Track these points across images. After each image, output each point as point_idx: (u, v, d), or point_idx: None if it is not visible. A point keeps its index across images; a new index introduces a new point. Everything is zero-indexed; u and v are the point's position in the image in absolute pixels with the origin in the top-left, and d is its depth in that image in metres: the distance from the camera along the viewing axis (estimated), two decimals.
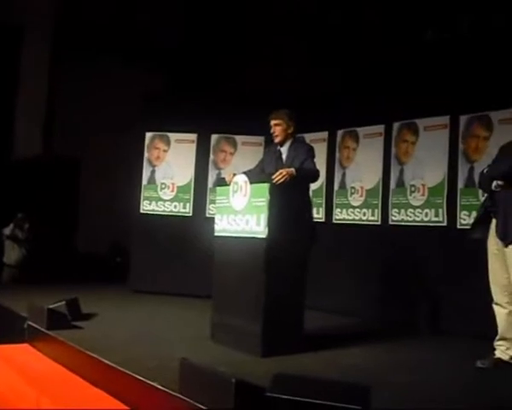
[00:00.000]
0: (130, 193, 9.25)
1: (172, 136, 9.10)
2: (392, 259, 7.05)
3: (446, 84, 6.71)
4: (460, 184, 6.56)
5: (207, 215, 8.69)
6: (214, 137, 9.03)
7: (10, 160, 11.94)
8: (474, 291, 5.82)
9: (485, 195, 4.89)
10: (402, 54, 7.57)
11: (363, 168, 7.66)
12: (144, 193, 9.08)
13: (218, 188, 5.61)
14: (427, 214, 6.85)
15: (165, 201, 9.00)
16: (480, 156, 6.38)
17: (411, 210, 7.01)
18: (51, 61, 12.48)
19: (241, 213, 5.00)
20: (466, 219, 6.40)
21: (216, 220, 5.37)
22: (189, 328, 6.02)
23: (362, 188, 7.63)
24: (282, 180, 4.80)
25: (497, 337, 4.68)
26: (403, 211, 7.10)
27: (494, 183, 4.59)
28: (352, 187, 7.75)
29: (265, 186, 4.79)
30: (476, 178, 6.04)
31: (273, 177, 4.82)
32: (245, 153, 8.70)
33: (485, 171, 4.78)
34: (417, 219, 6.94)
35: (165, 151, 9.12)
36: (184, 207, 8.96)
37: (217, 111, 8.54)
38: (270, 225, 4.73)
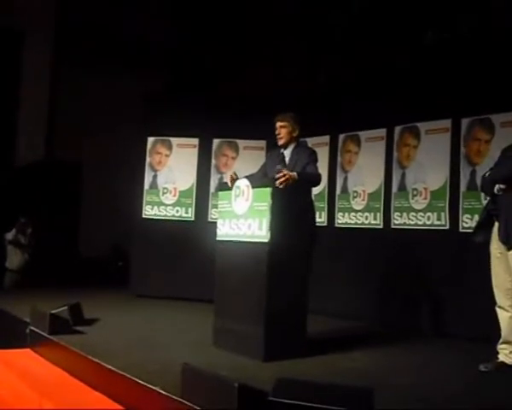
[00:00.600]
0: (132, 198, 9.25)
1: (174, 140, 9.11)
2: (394, 262, 7.05)
3: (448, 87, 6.71)
4: (462, 188, 6.55)
5: (209, 220, 8.69)
6: (216, 141, 9.04)
7: (12, 164, 11.95)
8: (476, 294, 5.82)
9: (488, 198, 4.88)
10: (403, 57, 7.57)
11: (365, 172, 7.66)
12: (146, 198, 9.08)
13: (220, 192, 5.60)
14: (429, 218, 6.84)
15: (167, 205, 9.00)
16: (481, 159, 6.38)
17: (413, 214, 7.00)
18: (53, 65, 12.51)
19: (244, 217, 5.00)
20: (468, 222, 6.40)
21: (218, 225, 5.37)
22: (191, 332, 6.01)
23: (364, 192, 7.63)
24: (284, 183, 4.78)
25: (501, 341, 4.66)
26: (405, 215, 7.10)
27: (496, 186, 4.58)
28: (354, 191, 7.75)
29: (267, 190, 4.79)
30: (478, 181, 6.03)
31: (276, 176, 4.81)
32: (247, 157, 8.70)
33: (487, 174, 4.77)
34: (419, 222, 6.93)
35: (167, 156, 9.13)
36: (186, 212, 8.96)
37: (219, 115, 8.53)
38: (273, 229, 4.72)
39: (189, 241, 8.58)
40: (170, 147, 9.12)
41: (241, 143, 8.95)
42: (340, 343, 5.62)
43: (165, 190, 9.03)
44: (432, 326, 6.53)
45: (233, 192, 5.16)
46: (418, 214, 6.95)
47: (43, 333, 5.44)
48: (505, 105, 6.16)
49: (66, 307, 5.81)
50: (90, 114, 11.90)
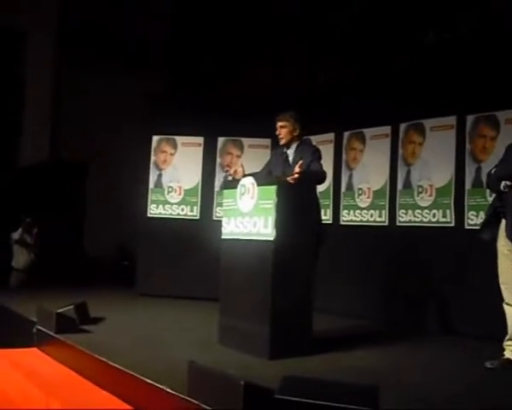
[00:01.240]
0: (137, 197, 9.27)
1: (179, 139, 9.12)
2: (399, 260, 7.04)
3: (453, 84, 6.70)
4: (467, 185, 6.54)
5: (215, 218, 8.69)
6: (221, 140, 9.04)
7: (18, 165, 11.99)
8: (482, 292, 5.82)
9: (493, 195, 4.87)
10: (408, 54, 7.56)
11: (369, 169, 7.65)
12: (151, 196, 9.09)
13: (225, 191, 5.60)
14: (434, 215, 6.83)
15: (172, 204, 9.01)
16: (487, 156, 6.36)
17: (419, 211, 6.99)
18: (55, 66, 12.53)
19: (249, 215, 5.00)
20: (474, 219, 6.38)
21: (223, 223, 5.37)
22: (196, 331, 6.01)
23: (369, 189, 7.62)
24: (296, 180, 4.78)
25: (507, 338, 4.65)
26: (410, 212, 7.09)
27: (502, 183, 4.57)
28: (359, 188, 7.74)
29: (273, 188, 4.79)
30: (484, 178, 6.02)
31: (289, 180, 4.80)
32: (252, 155, 8.69)
33: (492, 171, 4.75)
34: (425, 219, 6.92)
35: (171, 154, 9.13)
36: (191, 211, 8.97)
37: (223, 114, 8.53)
38: (278, 227, 4.73)
39: (195, 239, 8.59)
40: (175, 145, 9.13)
41: (245, 141, 8.96)
42: (345, 342, 5.62)
43: (170, 189, 9.04)
44: (437, 324, 6.51)
45: (238, 190, 5.17)
46: (423, 212, 6.94)
47: (49, 332, 5.46)
48: (510, 102, 6.14)
49: (72, 306, 5.82)
50: (94, 114, 11.94)
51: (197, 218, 8.95)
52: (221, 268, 5.37)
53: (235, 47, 10.59)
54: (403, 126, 7.32)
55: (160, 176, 9.12)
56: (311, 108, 6.91)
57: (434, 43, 7.35)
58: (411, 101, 7.10)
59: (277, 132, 5.45)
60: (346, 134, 8.01)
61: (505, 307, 4.66)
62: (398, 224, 7.23)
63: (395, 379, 4.25)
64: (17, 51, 12.12)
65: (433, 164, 6.90)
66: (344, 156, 8.00)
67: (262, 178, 5.16)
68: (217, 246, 5.60)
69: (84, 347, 4.81)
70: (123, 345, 5.07)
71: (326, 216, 7.93)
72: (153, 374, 3.88)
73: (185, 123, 8.73)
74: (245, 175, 5.25)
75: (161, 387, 3.64)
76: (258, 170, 5.63)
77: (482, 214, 5.90)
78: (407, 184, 7.18)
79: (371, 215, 7.56)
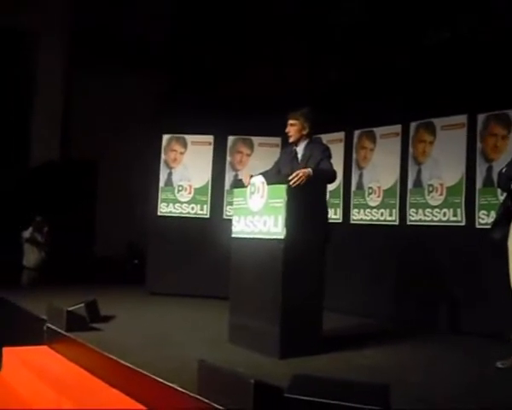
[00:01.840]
0: (148, 195, 9.29)
1: (189, 138, 9.12)
2: (409, 259, 7.02)
3: (463, 82, 6.67)
4: (478, 184, 6.51)
5: (225, 217, 8.70)
6: (231, 138, 9.04)
7: (29, 164, 12.04)
8: (492, 291, 5.80)
9: (504, 194, 4.84)
10: (419, 53, 7.52)
11: (380, 168, 7.63)
12: (161, 195, 9.10)
13: (235, 189, 5.60)
14: (445, 214, 6.80)
15: (182, 203, 9.02)
16: (498, 155, 6.33)
17: (429, 210, 6.96)
18: (66, 67, 12.58)
19: (259, 214, 5.00)
20: (485, 218, 6.35)
21: (233, 222, 5.37)
22: (206, 329, 6.02)
23: (379, 188, 7.60)
24: (298, 182, 4.79)
25: None
26: (420, 211, 7.06)
27: None
28: (370, 187, 7.72)
29: (283, 187, 4.78)
30: (495, 177, 5.98)
31: (289, 179, 4.81)
32: (262, 154, 8.70)
33: (503, 170, 4.73)
34: (435, 218, 6.90)
35: (181, 153, 9.14)
36: (202, 209, 8.97)
37: (233, 112, 8.54)
38: (288, 225, 4.72)
39: (205, 238, 8.60)
40: (185, 144, 9.14)
41: (255, 139, 8.95)
42: (355, 340, 5.62)
43: (181, 188, 9.05)
44: (447, 323, 6.49)
45: (248, 189, 5.17)
46: (434, 211, 6.91)
47: (60, 330, 5.48)
48: None
49: (82, 305, 5.84)
50: (104, 114, 11.97)
51: (207, 216, 8.95)
52: (231, 267, 5.37)
53: (236, 47, 10.59)
54: (413, 125, 7.29)
55: (170, 175, 9.14)
56: (321, 107, 6.89)
57: (446, 42, 7.31)
58: (422, 99, 7.08)
59: (287, 130, 5.45)
60: (357, 133, 7.99)
61: None
62: (408, 223, 7.21)
63: (404, 378, 4.24)
64: (28, 52, 12.18)
65: (444, 163, 6.88)
66: (354, 155, 7.98)
67: (271, 177, 5.16)
68: (227, 245, 5.61)
69: (94, 345, 4.83)
70: (133, 343, 5.08)
71: (336, 215, 7.92)
72: (163, 372, 3.89)
73: (195, 122, 8.75)
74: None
75: (171, 385, 3.65)
76: (267, 168, 5.62)
77: (493, 214, 5.86)
78: (417, 183, 7.16)
79: (381, 214, 7.54)
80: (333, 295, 5.77)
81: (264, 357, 4.65)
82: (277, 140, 8.55)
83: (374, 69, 7.98)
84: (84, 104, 12.14)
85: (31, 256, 10.28)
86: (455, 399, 3.79)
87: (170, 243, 8.84)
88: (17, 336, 6.19)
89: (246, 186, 5.20)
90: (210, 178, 9.01)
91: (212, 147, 9.07)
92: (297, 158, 5.39)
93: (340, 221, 7.95)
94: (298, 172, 4.85)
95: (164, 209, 9.07)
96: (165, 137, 9.21)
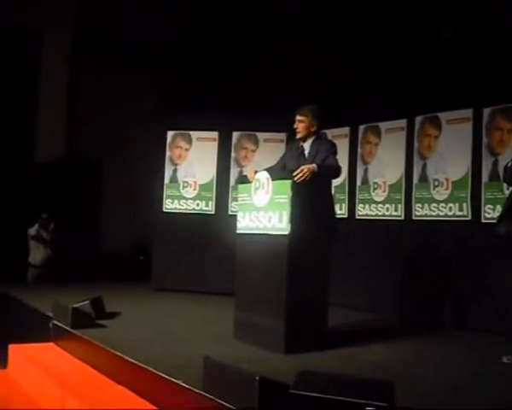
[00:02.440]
0: (153, 192, 9.29)
1: (194, 134, 9.12)
2: (415, 254, 7.01)
3: (469, 76, 6.64)
4: (484, 178, 6.48)
5: (230, 213, 8.69)
6: (236, 134, 9.03)
7: (34, 162, 12.05)
8: (498, 286, 5.78)
9: (510, 188, 4.82)
10: (424, 47, 7.50)
11: (385, 163, 7.61)
12: (167, 192, 9.11)
13: (239, 185, 5.59)
14: (451, 209, 6.78)
15: (187, 199, 9.02)
16: (504, 149, 6.31)
17: (435, 205, 6.94)
18: (71, 63, 12.59)
19: (264, 210, 4.99)
20: (490, 212, 6.33)
21: (238, 218, 5.37)
22: (211, 326, 6.02)
23: (384, 183, 7.58)
24: (303, 178, 4.78)
25: None
26: (426, 206, 7.04)
27: None
28: (375, 182, 7.70)
29: (287, 183, 4.77)
30: (501, 171, 5.95)
31: (294, 174, 4.80)
32: (267, 150, 8.68)
33: (509, 164, 4.72)
34: (441, 213, 6.87)
35: (186, 150, 9.14)
36: (207, 205, 8.97)
37: (238, 108, 8.53)
38: (293, 221, 4.71)
39: (210, 234, 8.59)
40: (190, 141, 9.13)
41: (260, 135, 8.93)
42: (360, 336, 5.62)
43: (186, 184, 9.05)
44: (453, 319, 6.47)
45: (253, 185, 5.16)
46: (440, 205, 6.89)
47: (65, 327, 5.49)
48: None
49: (88, 301, 5.85)
50: (109, 111, 11.96)
51: (212, 213, 8.95)
52: (236, 263, 5.37)
53: (238, 46, 10.57)
54: (418, 120, 7.27)
55: (175, 171, 9.14)
56: (326, 102, 6.87)
57: (452, 37, 7.28)
58: (427, 94, 7.05)
59: (295, 126, 5.43)
60: (362, 128, 7.97)
61: None
62: (413, 218, 7.19)
63: (410, 374, 4.23)
64: (33, 51, 12.18)
65: (450, 157, 6.85)
66: (359, 150, 7.97)
67: (276, 172, 5.15)
68: (232, 241, 5.59)
69: (99, 342, 4.84)
70: (138, 340, 5.08)
71: (341, 210, 7.91)
72: (168, 369, 3.89)
73: (200, 118, 8.75)
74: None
75: (177, 382, 3.65)
76: (273, 164, 5.60)
77: (499, 208, 5.84)
78: (423, 178, 7.14)
79: (387, 209, 7.53)
80: (338, 291, 5.76)
81: (269, 353, 4.65)
82: (282, 136, 8.54)
83: (379, 64, 7.96)
84: (88, 101, 12.14)
85: (36, 253, 10.28)
86: (461, 394, 3.77)
87: (175, 240, 8.85)
88: (23, 334, 6.22)
89: (250, 182, 5.20)
90: (215, 175, 9.00)
91: (216, 143, 9.06)
92: (304, 154, 5.38)
93: (346, 216, 7.94)
94: (302, 167, 4.84)
95: (169, 206, 9.07)
96: (170, 134, 9.21)
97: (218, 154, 9.04)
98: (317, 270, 4.94)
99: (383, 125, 7.69)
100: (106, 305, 6.26)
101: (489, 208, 6.38)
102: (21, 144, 11.95)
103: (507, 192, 5.34)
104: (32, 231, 10.36)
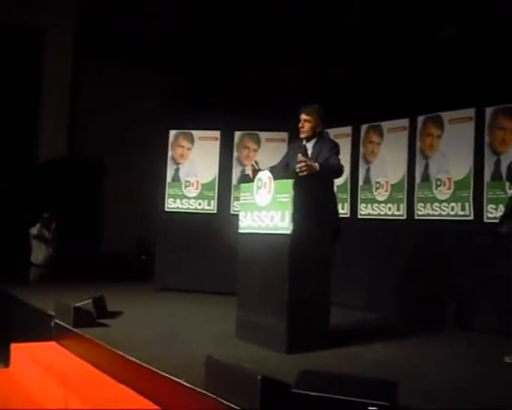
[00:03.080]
0: (155, 191, 9.28)
1: (196, 133, 9.11)
2: (417, 253, 7.00)
3: (471, 76, 6.63)
4: (486, 178, 6.47)
5: (232, 212, 8.68)
6: (238, 133, 9.02)
7: (36, 161, 12.06)
8: (501, 286, 5.77)
9: None
10: (425, 47, 7.49)
11: (387, 163, 7.60)
12: (169, 191, 9.10)
13: (241, 185, 5.59)
14: (453, 208, 6.77)
15: (189, 198, 9.01)
16: (506, 149, 6.30)
17: (437, 204, 6.93)
18: (73, 63, 12.59)
19: (266, 209, 4.99)
20: (493, 212, 6.32)
21: (240, 217, 5.36)
22: (213, 325, 6.02)
23: (387, 183, 7.58)
24: (305, 172, 4.75)
25: None
26: (428, 205, 7.03)
27: None
28: (377, 182, 7.70)
29: (289, 182, 4.77)
30: (503, 170, 5.97)
31: (297, 166, 4.78)
32: (269, 149, 8.67)
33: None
34: (443, 213, 6.87)
35: (188, 149, 9.13)
36: (209, 205, 8.97)
37: (240, 108, 8.51)
38: (295, 221, 4.71)
39: (212, 234, 8.59)
40: (192, 140, 9.13)
41: (262, 135, 8.92)
42: (362, 335, 5.61)
43: (188, 183, 9.04)
44: (455, 319, 6.47)
45: (255, 184, 5.15)
46: (442, 205, 6.88)
47: (67, 326, 5.50)
48: None
49: (90, 301, 5.86)
50: (111, 110, 11.97)
51: (214, 212, 8.94)
52: (238, 262, 5.37)
53: (238, 45, 10.58)
54: (421, 119, 7.25)
55: (177, 170, 9.13)
56: (329, 101, 6.87)
57: (452, 37, 7.27)
58: (429, 93, 7.04)
59: (300, 125, 5.41)
60: (364, 127, 7.97)
61: None
62: (416, 217, 7.18)
63: (412, 373, 4.23)
64: (35, 49, 12.18)
65: (452, 157, 6.84)
66: (361, 150, 7.96)
67: (279, 172, 5.14)
68: (234, 240, 5.60)
69: (101, 341, 4.84)
70: (140, 339, 5.08)
71: (343, 210, 7.90)
72: (170, 368, 3.89)
73: (202, 117, 8.74)
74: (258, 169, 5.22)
75: (178, 381, 3.65)
76: (275, 163, 5.60)
77: (501, 207, 5.84)
78: (425, 178, 7.13)
79: (389, 209, 7.52)
80: (340, 290, 5.76)
81: (271, 352, 4.64)
82: (284, 135, 8.54)
83: (379, 64, 7.95)
84: (90, 101, 12.15)
85: (38, 253, 10.28)
86: (463, 394, 3.77)
87: (177, 239, 8.84)
88: (25, 333, 6.23)
89: (252, 181, 5.19)
90: (217, 174, 9.00)
91: (218, 142, 9.06)
92: (307, 154, 5.37)
93: (348, 216, 7.93)
94: (304, 159, 4.82)
95: (171, 205, 9.06)
96: (172, 133, 9.20)
97: (220, 153, 9.03)
98: (319, 269, 4.94)
99: (385, 125, 7.68)
100: (108, 304, 6.26)
101: (491, 208, 6.37)
102: (23, 144, 11.97)
103: (510, 192, 5.33)
104: (34, 230, 10.35)
